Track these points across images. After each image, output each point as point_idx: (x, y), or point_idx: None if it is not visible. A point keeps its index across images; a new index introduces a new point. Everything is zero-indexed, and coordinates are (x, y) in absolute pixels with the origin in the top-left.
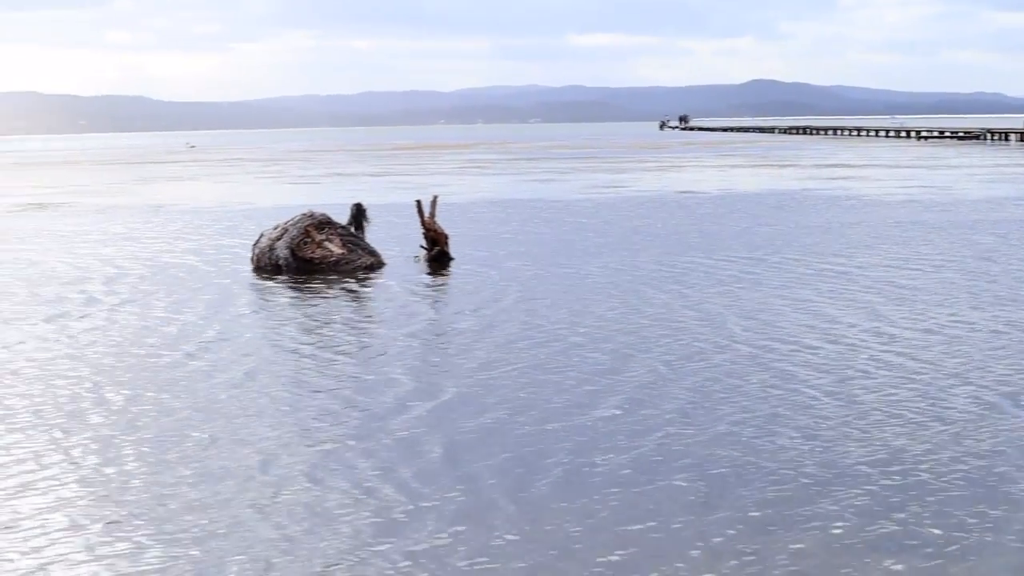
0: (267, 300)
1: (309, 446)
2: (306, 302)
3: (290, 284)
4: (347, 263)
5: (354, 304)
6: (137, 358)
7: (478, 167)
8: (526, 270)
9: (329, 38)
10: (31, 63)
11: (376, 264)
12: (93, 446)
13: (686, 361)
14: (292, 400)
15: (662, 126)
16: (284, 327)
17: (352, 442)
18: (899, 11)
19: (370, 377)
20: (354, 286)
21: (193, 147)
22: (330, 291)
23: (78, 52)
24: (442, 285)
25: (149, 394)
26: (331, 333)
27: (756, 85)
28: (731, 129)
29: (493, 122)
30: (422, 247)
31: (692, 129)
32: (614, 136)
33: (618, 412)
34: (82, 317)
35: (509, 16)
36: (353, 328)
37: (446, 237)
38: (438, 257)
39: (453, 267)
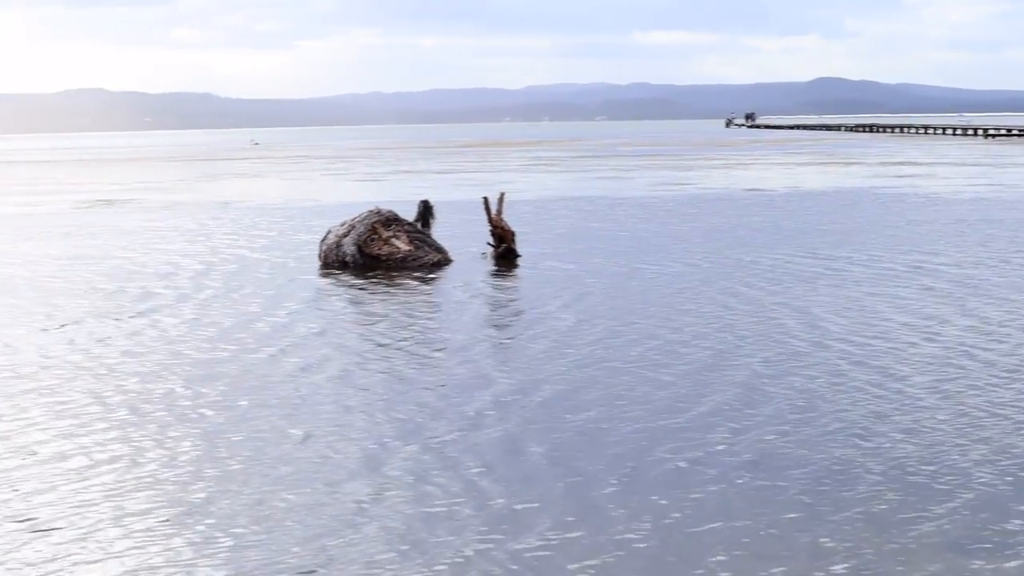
0: (339, 296)
1: (410, 443)
2: (379, 298)
3: (359, 281)
4: (414, 260)
5: (427, 300)
6: (230, 353)
7: (544, 164)
8: (596, 267)
9: (395, 35)
10: (99, 60)
11: (443, 261)
12: (193, 442)
13: (785, 358)
14: (387, 396)
15: (728, 124)
16: (363, 323)
17: (452, 438)
18: (964, 9)
19: (461, 373)
20: (423, 283)
21: (257, 144)
22: (400, 287)
23: (145, 49)
24: (511, 282)
25: (245, 389)
26: (411, 329)
27: (822, 83)
28: (797, 127)
29: (559, 119)
30: (489, 244)
31: (758, 127)
32: (680, 134)
33: (722, 409)
34: (143, 314)
35: (576, 13)
36: (431, 324)
37: (513, 234)
38: (505, 254)
39: (520, 264)
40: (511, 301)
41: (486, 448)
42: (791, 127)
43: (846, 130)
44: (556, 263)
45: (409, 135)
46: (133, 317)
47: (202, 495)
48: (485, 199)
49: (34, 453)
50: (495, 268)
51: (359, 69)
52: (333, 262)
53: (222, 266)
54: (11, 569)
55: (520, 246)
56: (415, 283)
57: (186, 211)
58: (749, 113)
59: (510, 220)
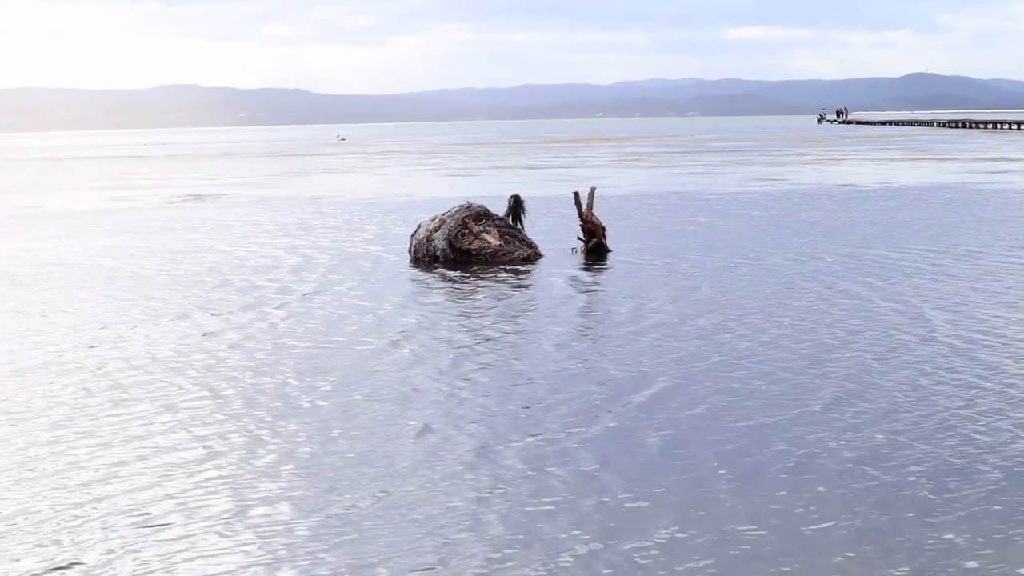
0: (434, 290)
1: (525, 436)
2: (474, 292)
3: (451, 275)
4: (504, 254)
5: (522, 295)
6: (338, 345)
7: (635, 160)
8: (690, 262)
9: (485, 31)
10: (192, 56)
11: (533, 256)
12: (308, 435)
13: (893, 353)
14: (498, 388)
15: (819, 119)
16: (463, 316)
17: (567, 431)
18: None
19: (572, 366)
20: (515, 277)
21: (343, 140)
22: (493, 282)
23: (238, 45)
24: (604, 277)
25: (356, 382)
26: (512, 322)
27: (914, 78)
28: (889, 122)
29: (650, 115)
30: (579, 239)
31: (850, 122)
32: (771, 129)
33: (834, 404)
34: (249, 307)
35: (666, 9)
36: (530, 318)
37: (604, 229)
38: (595, 249)
39: (611, 259)
40: (606, 295)
41: (601, 441)
42: (883, 123)
43: (938, 126)
44: (648, 258)
45: (500, 130)
46: (239, 311)
47: (322, 486)
48: (576, 194)
49: (151, 445)
50: (586, 263)
51: (450, 65)
52: (423, 256)
53: (317, 260)
54: (132, 563)
55: (611, 241)
56: (507, 278)
57: (279, 206)
58: (840, 109)
59: (601, 215)
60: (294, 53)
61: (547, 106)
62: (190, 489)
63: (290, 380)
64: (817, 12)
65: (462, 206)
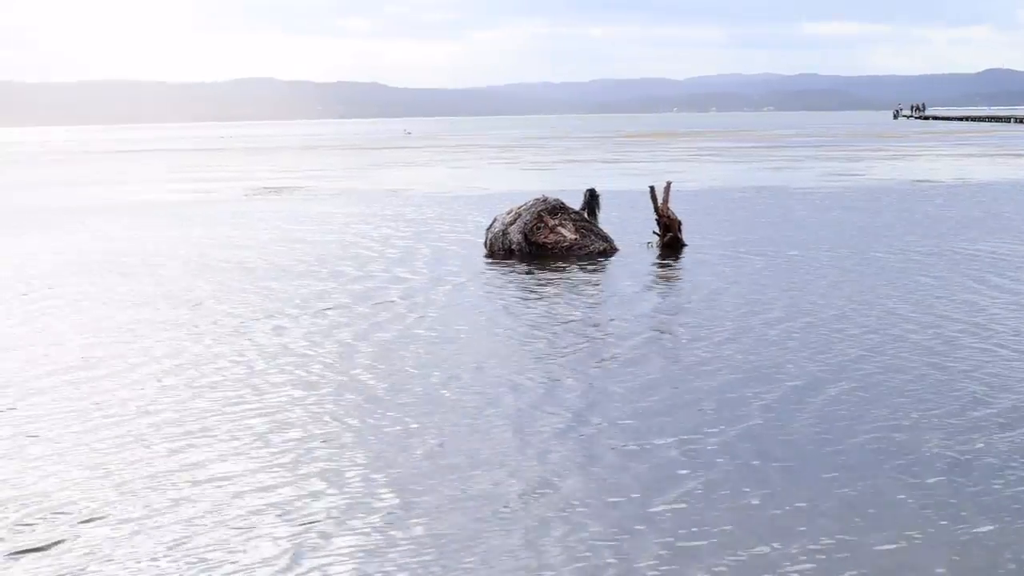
0: (517, 284)
1: (655, 435)
2: (555, 286)
3: (530, 268)
4: (580, 248)
5: (603, 289)
6: (425, 342)
7: (711, 154)
8: (767, 256)
9: (563, 25)
10: (270, 49)
11: (609, 250)
12: (456, 427)
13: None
14: (603, 383)
15: (896, 115)
16: (551, 310)
17: (690, 429)
18: None
19: (690, 359)
20: (594, 272)
21: (409, 134)
22: (573, 276)
23: (315, 39)
24: (683, 271)
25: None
26: (605, 312)
27: (992, 74)
28: (966, 118)
29: (726, 110)
30: (655, 233)
31: (927, 118)
32: (847, 125)
33: (978, 399)
34: (367, 296)
35: (744, 3)
36: (618, 312)
37: (679, 223)
38: (671, 243)
39: (686, 253)
40: (684, 289)
41: (734, 443)
42: (959, 118)
43: (1015, 121)
44: (724, 252)
45: (576, 125)
46: (375, 304)
47: (407, 478)
48: (652, 188)
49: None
50: (662, 257)
51: (527, 59)
52: (499, 250)
53: (391, 253)
54: (253, 554)
55: (686, 235)
56: (585, 272)
57: (357, 199)
58: (917, 104)
59: (677, 209)
60: (371, 47)
61: (623, 101)
62: (355, 483)
63: (409, 369)
64: (896, 7)
65: (538, 200)
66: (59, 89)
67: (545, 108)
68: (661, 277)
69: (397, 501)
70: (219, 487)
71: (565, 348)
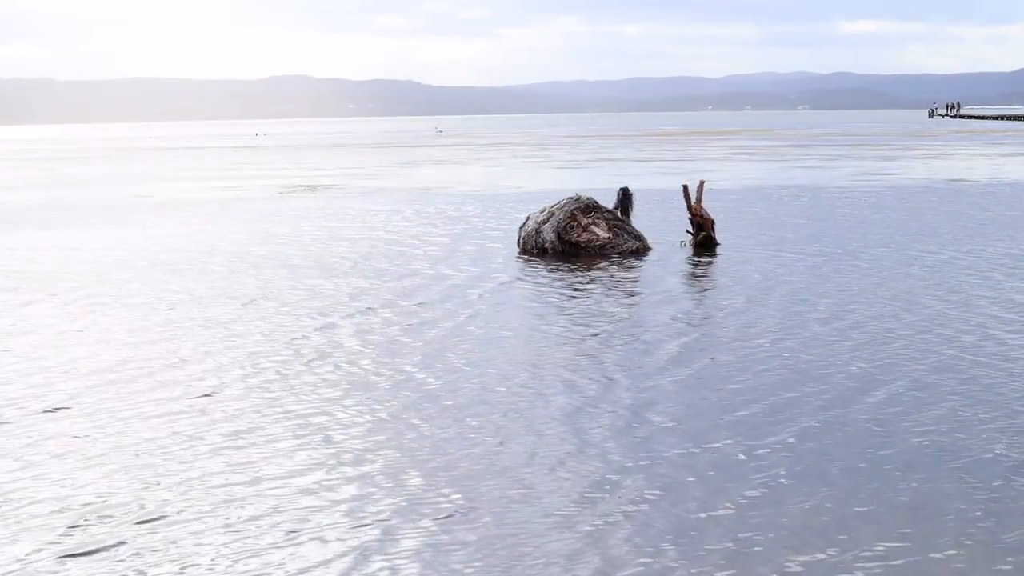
0: (553, 282)
1: (742, 430)
2: (592, 285)
3: (564, 267)
4: (612, 247)
5: (640, 288)
6: (474, 340)
7: (745, 153)
8: (802, 255)
9: (599, 23)
10: (304, 47)
11: (642, 249)
12: (446, 419)
13: None
14: (653, 380)
15: (931, 114)
16: (591, 309)
17: (745, 431)
18: None
19: (736, 357)
20: (628, 270)
21: (441, 132)
22: (608, 275)
23: (350, 36)
24: (717, 270)
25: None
26: (643, 315)
27: None
28: (1000, 117)
29: (760, 109)
30: (688, 232)
31: (962, 117)
32: (882, 124)
33: None
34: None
35: (779, 2)
36: (660, 312)
37: (712, 222)
38: (704, 242)
39: (719, 252)
40: (718, 288)
41: (793, 444)
42: (995, 117)
43: None
44: (758, 251)
45: (610, 123)
46: (419, 303)
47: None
48: (685, 187)
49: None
50: (695, 256)
51: (562, 57)
52: (531, 248)
53: (425, 250)
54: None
55: (720, 234)
56: (621, 271)
57: (389, 197)
58: (952, 103)
59: (710, 208)
60: (407, 45)
61: (657, 99)
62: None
63: (463, 364)
64: (931, 6)
65: (571, 198)
66: (95, 86)
67: (579, 106)
68: (698, 276)
69: (461, 501)
70: (277, 487)
71: (614, 346)
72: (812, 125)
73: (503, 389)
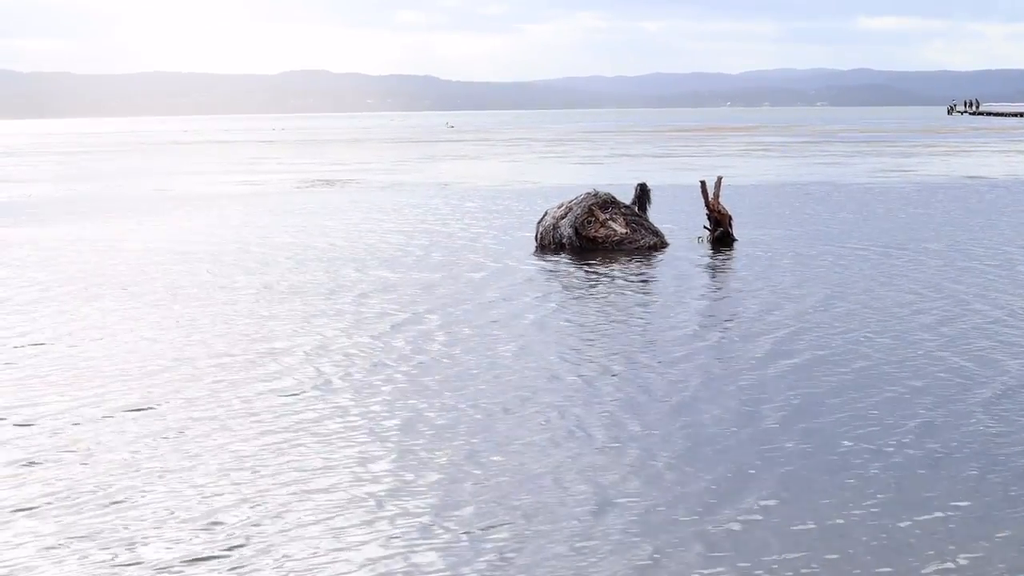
0: (574, 277)
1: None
2: (613, 280)
3: (582, 262)
4: (630, 243)
5: (661, 284)
6: (515, 332)
7: (763, 149)
8: (819, 252)
9: (619, 19)
10: (323, 42)
11: (659, 244)
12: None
13: None
14: (686, 376)
15: (950, 111)
16: (616, 304)
17: (772, 427)
18: None
19: (774, 350)
20: (646, 266)
21: (452, 127)
22: (625, 270)
23: (369, 31)
24: (732, 266)
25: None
26: (672, 311)
27: None
28: (1020, 114)
29: (779, 105)
30: (706, 228)
31: (981, 114)
32: (901, 120)
33: None
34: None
35: None
36: (682, 307)
37: (730, 218)
38: (721, 238)
39: (737, 248)
40: (750, 283)
41: (855, 451)
42: (1014, 114)
43: None
44: (776, 247)
45: (628, 118)
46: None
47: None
48: (702, 183)
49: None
50: (713, 252)
51: (581, 52)
52: (549, 244)
53: (444, 245)
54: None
55: (737, 230)
56: (640, 266)
57: (408, 192)
58: (971, 100)
59: (728, 204)
60: (426, 40)
61: (676, 95)
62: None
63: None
64: (954, 2)
65: (589, 194)
66: (113, 80)
67: (598, 102)
68: (719, 271)
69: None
70: (377, 485)
71: (650, 341)
72: (830, 121)
73: (547, 383)
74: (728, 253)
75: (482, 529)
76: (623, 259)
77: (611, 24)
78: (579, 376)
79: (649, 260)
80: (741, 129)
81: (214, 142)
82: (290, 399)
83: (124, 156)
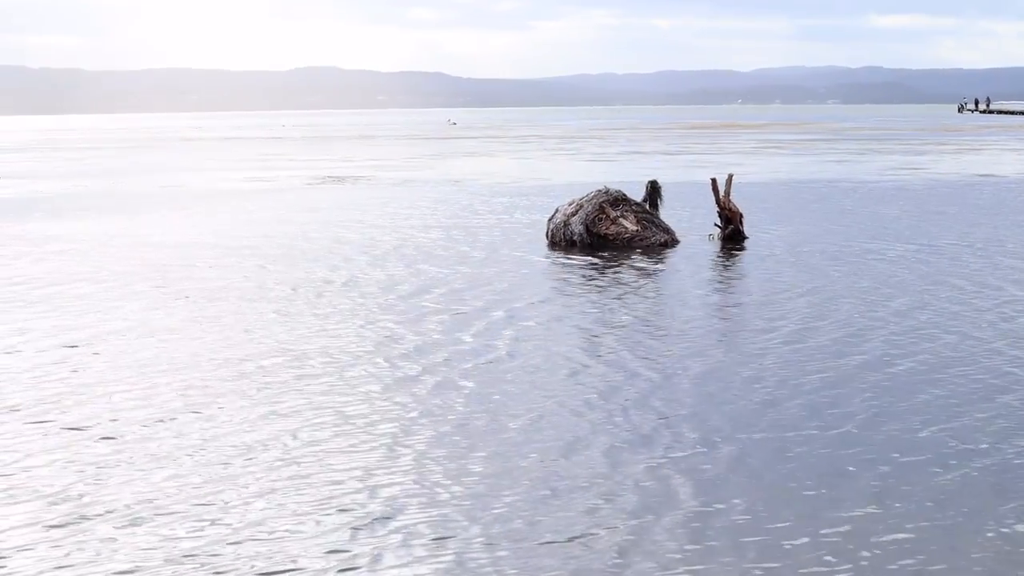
0: (586, 275)
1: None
2: (623, 279)
3: (591, 260)
4: (641, 240)
5: (674, 282)
6: (534, 326)
7: (774, 147)
8: (831, 249)
9: (631, 16)
10: (334, 38)
11: (670, 242)
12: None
13: None
14: (706, 373)
15: (960, 109)
16: (632, 302)
17: (793, 426)
18: None
19: (787, 350)
20: (657, 264)
21: (454, 124)
22: (636, 268)
23: (380, 28)
24: (743, 263)
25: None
26: (689, 308)
27: None
28: None
29: (790, 103)
30: (716, 225)
31: (992, 112)
32: (911, 118)
33: None
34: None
35: None
36: (693, 305)
37: (741, 216)
38: (732, 236)
39: (747, 246)
40: (746, 281)
41: (877, 453)
42: None
43: None
44: (787, 244)
45: (639, 116)
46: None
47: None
48: (713, 180)
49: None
50: (724, 249)
51: (592, 50)
52: (560, 241)
53: (455, 241)
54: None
55: (748, 227)
56: (652, 263)
57: (419, 189)
58: (982, 99)
59: (738, 201)
60: (437, 37)
61: (687, 92)
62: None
63: (551, 363)
64: (964, 0)
65: (600, 191)
66: (124, 77)
67: (609, 99)
68: (730, 269)
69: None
70: (440, 487)
71: (670, 339)
72: (841, 119)
73: (570, 382)
74: (739, 251)
75: (589, 530)
76: (636, 256)
77: (623, 21)
78: (637, 367)
79: (663, 257)
80: (752, 126)
81: (224, 139)
82: (364, 397)
83: (135, 152)
